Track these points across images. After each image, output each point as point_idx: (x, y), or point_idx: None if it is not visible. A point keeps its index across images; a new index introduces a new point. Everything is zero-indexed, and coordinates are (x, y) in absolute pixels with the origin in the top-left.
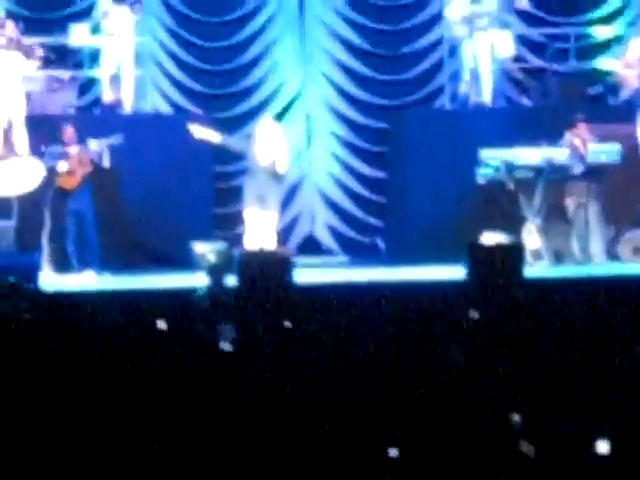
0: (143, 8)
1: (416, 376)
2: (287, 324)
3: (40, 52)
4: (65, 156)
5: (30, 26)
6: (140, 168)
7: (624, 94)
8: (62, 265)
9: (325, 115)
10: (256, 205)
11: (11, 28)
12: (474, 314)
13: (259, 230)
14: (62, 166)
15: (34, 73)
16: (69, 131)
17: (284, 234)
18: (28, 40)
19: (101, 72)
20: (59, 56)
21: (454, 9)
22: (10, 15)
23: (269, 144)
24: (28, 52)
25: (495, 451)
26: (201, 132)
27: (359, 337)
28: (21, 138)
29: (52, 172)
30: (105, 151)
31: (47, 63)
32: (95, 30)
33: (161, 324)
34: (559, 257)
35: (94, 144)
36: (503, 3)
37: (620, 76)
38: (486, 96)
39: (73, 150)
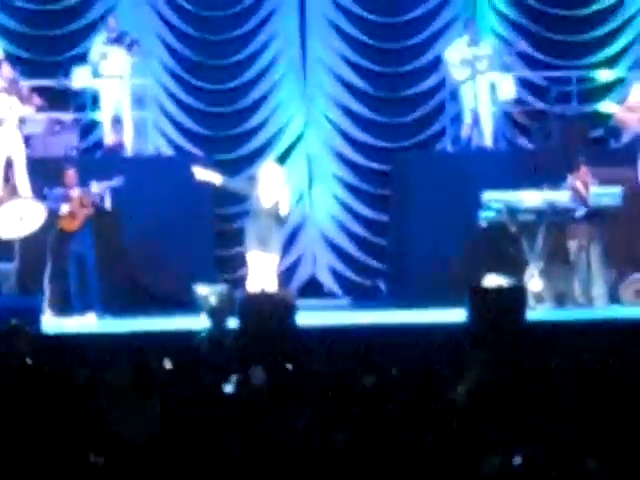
0: (142, 50)
1: (419, 417)
2: (289, 366)
3: (37, 100)
4: (67, 198)
5: (32, 68)
6: (141, 210)
7: (626, 137)
8: (64, 307)
9: (327, 157)
10: (258, 247)
11: (7, 70)
12: (476, 356)
13: (261, 273)
14: (64, 208)
15: (35, 115)
16: (71, 173)
17: (286, 276)
18: (28, 82)
19: (101, 114)
20: (61, 98)
21: (453, 52)
22: (11, 57)
23: (271, 186)
24: (25, 97)
25: None
26: (203, 174)
27: (361, 379)
28: (22, 180)
29: (54, 214)
30: (107, 193)
31: (45, 108)
32: (97, 73)
33: (167, 364)
34: (561, 300)
35: (95, 186)
36: (504, 46)
37: (621, 120)
38: (487, 139)
39: (75, 192)
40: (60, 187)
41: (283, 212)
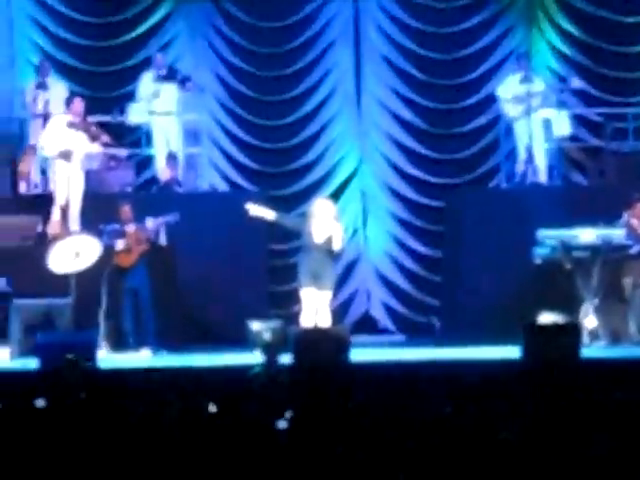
0: (195, 85)
1: (472, 457)
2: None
3: (105, 138)
4: (122, 234)
5: (89, 104)
6: (196, 246)
7: None
8: (119, 343)
9: (381, 193)
10: (311, 284)
11: (78, 105)
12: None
13: (314, 309)
14: (119, 244)
15: (92, 151)
16: (126, 209)
17: (340, 312)
18: (91, 119)
19: (154, 150)
20: (117, 134)
21: (506, 88)
22: (72, 94)
23: (324, 222)
24: (94, 135)
25: None
26: (256, 210)
27: (415, 417)
28: (75, 216)
29: (109, 250)
30: (162, 229)
31: (111, 145)
32: (148, 110)
33: (212, 407)
34: (616, 337)
35: (151, 222)
36: (559, 83)
37: None
38: (542, 175)
39: (130, 228)
40: (116, 223)
41: (336, 247)
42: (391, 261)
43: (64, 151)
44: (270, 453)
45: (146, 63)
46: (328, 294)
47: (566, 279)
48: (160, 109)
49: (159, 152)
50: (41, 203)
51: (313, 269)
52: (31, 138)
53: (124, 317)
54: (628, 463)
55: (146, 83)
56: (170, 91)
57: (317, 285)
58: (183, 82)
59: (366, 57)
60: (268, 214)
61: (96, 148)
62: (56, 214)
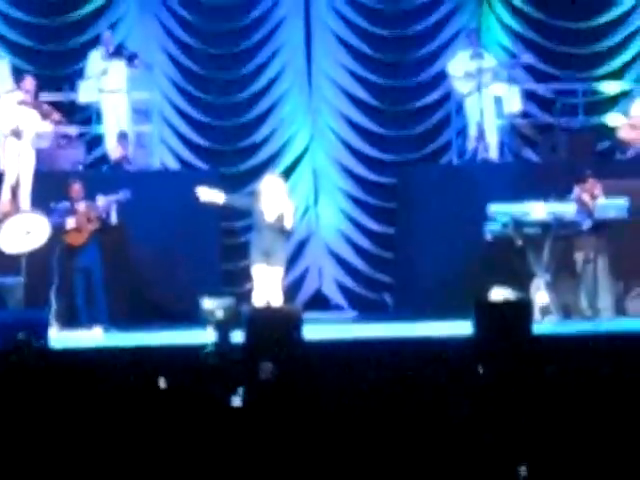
0: (142, 62)
1: (423, 432)
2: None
3: (57, 116)
4: (73, 212)
5: (39, 82)
6: (147, 224)
7: (631, 151)
8: (70, 321)
9: (332, 170)
10: (263, 261)
11: (30, 83)
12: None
13: (266, 286)
14: (70, 222)
15: (43, 130)
16: (77, 187)
17: (292, 290)
18: (41, 97)
19: (104, 129)
20: (67, 112)
21: (457, 65)
22: (18, 71)
23: (274, 200)
24: (45, 113)
25: None
26: (207, 194)
27: (366, 393)
28: (25, 195)
29: (59, 229)
30: (113, 207)
31: (63, 123)
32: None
33: (162, 383)
34: (567, 313)
35: (102, 200)
36: (509, 59)
37: (625, 139)
38: (493, 152)
39: (81, 207)
40: (66, 201)
41: (287, 225)
42: (343, 238)
43: (15, 129)
44: (224, 431)
45: (96, 41)
46: (280, 271)
47: (517, 255)
48: (109, 87)
49: (109, 130)
50: None
51: (264, 247)
52: None
53: (76, 295)
54: (580, 436)
55: (94, 61)
56: (118, 69)
57: (268, 262)
58: (131, 59)
59: (317, 34)
60: (218, 197)
61: (47, 126)
62: (6, 193)
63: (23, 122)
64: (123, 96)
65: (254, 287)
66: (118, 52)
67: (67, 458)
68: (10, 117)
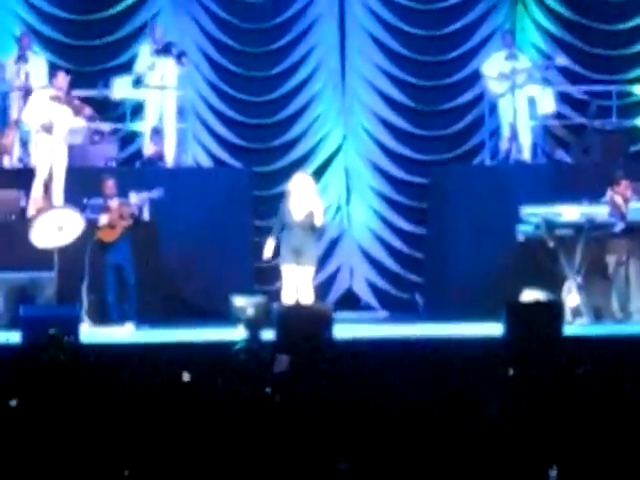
0: (190, 61)
1: (453, 433)
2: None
3: (89, 111)
4: (106, 209)
5: (72, 79)
6: (180, 221)
7: None
8: (101, 317)
9: (365, 170)
10: (292, 260)
11: (62, 79)
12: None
13: (296, 285)
14: (103, 219)
15: (77, 126)
16: (110, 184)
17: (323, 289)
18: (75, 93)
19: (144, 125)
20: (100, 109)
21: (491, 65)
22: (53, 67)
23: (303, 198)
24: (77, 108)
25: None
26: (269, 251)
27: (397, 393)
28: (58, 191)
29: (92, 224)
30: (145, 204)
31: (95, 119)
32: (137, 83)
33: (186, 376)
34: (599, 315)
35: (135, 197)
36: (543, 60)
37: None
38: (526, 152)
39: (114, 203)
40: (99, 198)
41: (318, 223)
42: (374, 238)
43: (46, 124)
44: (255, 427)
45: (130, 38)
46: (311, 270)
47: (549, 257)
48: (154, 83)
49: (148, 127)
50: (24, 177)
51: (294, 246)
52: (12, 112)
53: (107, 292)
54: (609, 439)
55: (143, 56)
56: (166, 65)
57: (299, 262)
58: (179, 57)
59: (351, 33)
60: (270, 245)
61: (80, 122)
62: (38, 188)
63: (55, 118)
64: (169, 93)
65: (284, 286)
66: (167, 49)
67: (95, 451)
68: (42, 113)
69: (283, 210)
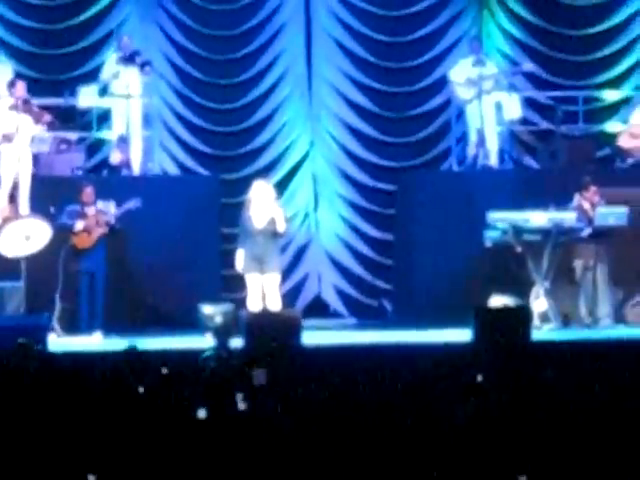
0: (153, 70)
1: (421, 439)
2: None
3: (48, 118)
4: (82, 215)
5: (38, 87)
6: (148, 229)
7: (631, 159)
8: (71, 325)
9: (332, 176)
10: (256, 269)
11: (21, 88)
12: (479, 377)
13: (262, 293)
14: (79, 224)
15: (43, 134)
16: (89, 191)
17: (291, 296)
18: (36, 102)
19: (110, 133)
20: (67, 117)
21: (458, 71)
22: (18, 76)
23: (263, 205)
24: (37, 116)
25: None
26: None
27: (366, 399)
28: (24, 199)
29: (67, 230)
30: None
31: (56, 126)
32: (103, 92)
33: (164, 370)
34: (566, 320)
35: (114, 209)
36: (510, 66)
37: (625, 148)
38: (493, 158)
39: (91, 210)
40: (76, 204)
41: (280, 229)
42: (343, 244)
43: (6, 134)
44: (223, 436)
45: (95, 47)
46: (276, 277)
47: (517, 262)
48: (119, 91)
49: (116, 135)
50: None
51: (257, 254)
52: None
53: (79, 299)
54: (576, 442)
55: (109, 64)
56: (130, 74)
57: (262, 270)
58: (143, 66)
59: (317, 40)
60: (240, 256)
61: (40, 129)
62: (3, 198)
63: (16, 127)
64: (134, 102)
65: (249, 294)
66: (132, 58)
67: (63, 459)
68: (3, 122)
69: (244, 218)
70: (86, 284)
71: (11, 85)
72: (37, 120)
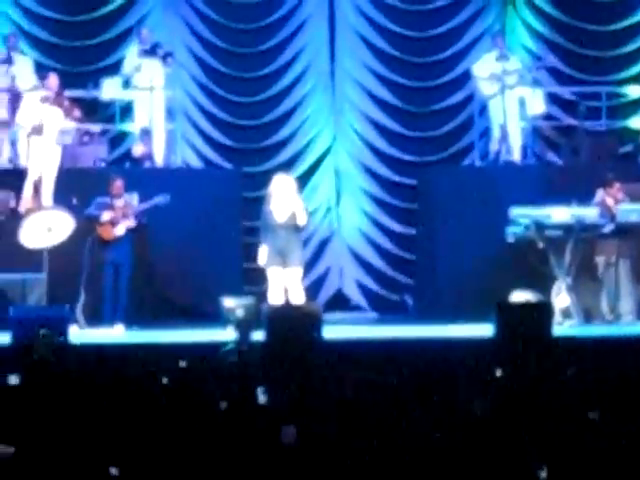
0: (175, 61)
1: (441, 434)
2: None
3: (78, 113)
4: (110, 207)
5: (61, 79)
6: (170, 222)
7: None
8: (94, 317)
9: (355, 171)
10: (278, 263)
11: (54, 81)
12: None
13: (284, 287)
14: (105, 216)
15: (66, 126)
16: (118, 184)
17: (313, 289)
18: (66, 94)
19: (133, 126)
20: (90, 109)
21: (482, 66)
22: (42, 68)
23: (284, 199)
24: (67, 110)
25: None
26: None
27: (386, 393)
28: (48, 191)
29: (93, 220)
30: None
31: (83, 120)
32: (127, 84)
33: (182, 363)
34: (588, 316)
35: (141, 205)
36: (534, 61)
37: None
38: (516, 154)
39: (119, 203)
40: (106, 196)
41: (301, 222)
42: (364, 239)
43: (36, 126)
44: (244, 429)
45: (120, 39)
46: (298, 271)
47: (539, 258)
48: (141, 84)
49: (139, 127)
50: (13, 178)
51: (279, 248)
52: None
53: (104, 289)
54: (598, 439)
55: (131, 57)
56: (152, 66)
57: (285, 263)
58: (165, 58)
59: (341, 34)
60: (263, 251)
61: (69, 123)
62: (28, 189)
63: (46, 119)
64: (156, 94)
65: (270, 289)
66: (153, 50)
67: (83, 452)
68: (33, 114)
69: (265, 213)
70: (110, 275)
71: (43, 77)
72: (67, 114)
